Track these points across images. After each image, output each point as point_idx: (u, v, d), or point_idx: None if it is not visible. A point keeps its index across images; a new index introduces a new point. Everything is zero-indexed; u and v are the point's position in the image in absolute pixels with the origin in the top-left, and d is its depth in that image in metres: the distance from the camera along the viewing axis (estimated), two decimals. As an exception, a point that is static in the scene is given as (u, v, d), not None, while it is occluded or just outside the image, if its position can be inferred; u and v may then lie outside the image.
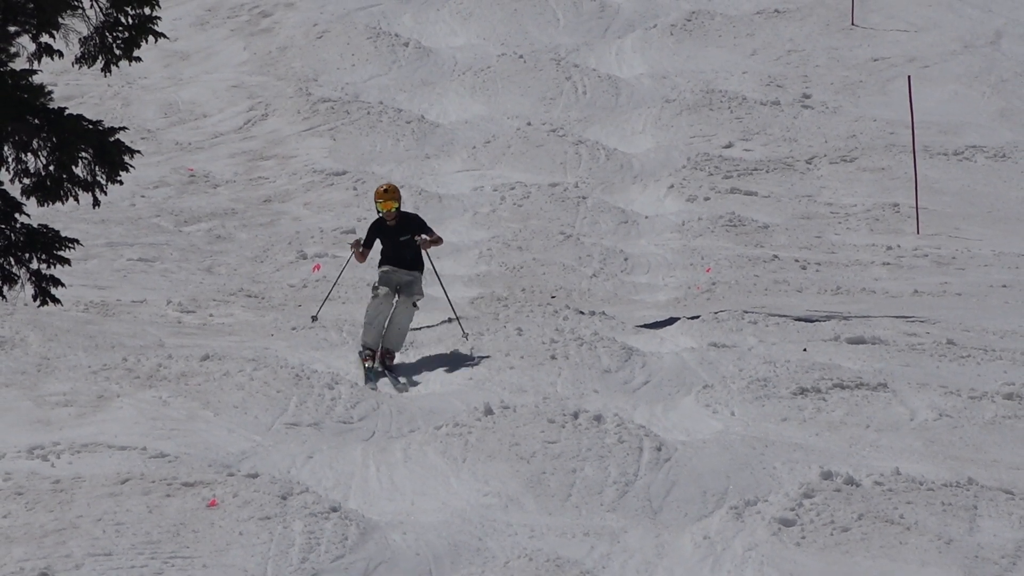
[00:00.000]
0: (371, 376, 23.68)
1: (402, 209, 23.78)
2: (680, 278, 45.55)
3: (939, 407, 30.03)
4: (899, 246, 48.83)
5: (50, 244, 41.50)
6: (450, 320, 37.81)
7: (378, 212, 22.90)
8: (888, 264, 46.78)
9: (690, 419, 30.08)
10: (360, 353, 22.97)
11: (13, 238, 41.47)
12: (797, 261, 47.00)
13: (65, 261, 41.83)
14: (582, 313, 37.88)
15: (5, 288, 41.32)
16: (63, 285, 41.46)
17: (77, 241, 42.83)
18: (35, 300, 40.85)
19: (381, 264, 23.46)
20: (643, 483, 26.51)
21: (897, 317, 38.79)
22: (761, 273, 45.64)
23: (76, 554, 23.27)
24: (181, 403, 29.30)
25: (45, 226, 41.85)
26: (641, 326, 37.85)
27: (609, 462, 26.88)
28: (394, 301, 23.61)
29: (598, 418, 28.05)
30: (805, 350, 34.50)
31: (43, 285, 41.08)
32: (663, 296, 43.44)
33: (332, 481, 26.53)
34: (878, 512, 24.69)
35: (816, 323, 37.74)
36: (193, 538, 23.82)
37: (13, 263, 41.36)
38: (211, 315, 39.94)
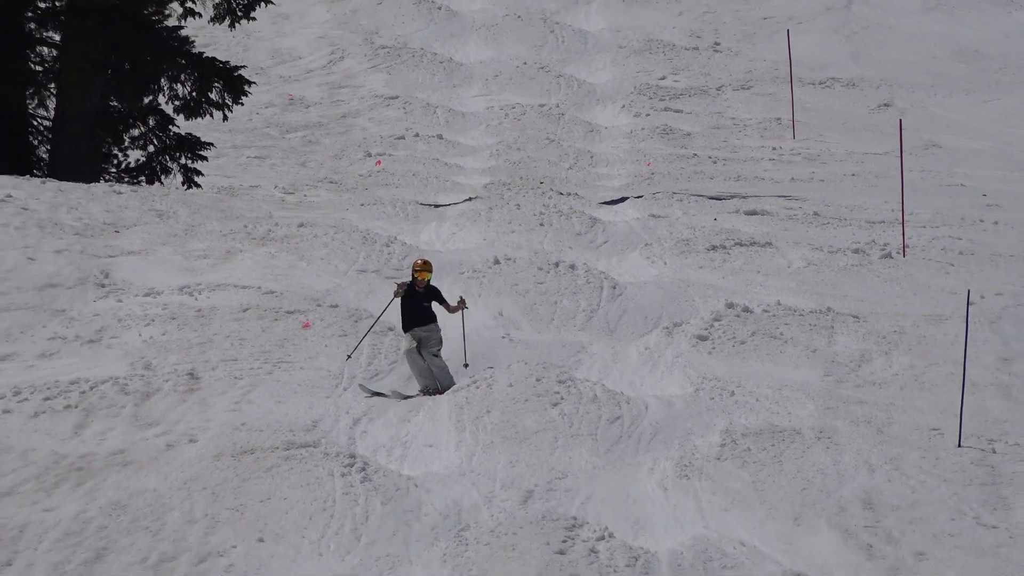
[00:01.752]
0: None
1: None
2: (629, 170, 45.44)
3: (808, 258, 29.98)
4: (781, 147, 48.66)
5: (194, 146, 41.47)
6: (471, 199, 37.69)
7: (413, 279, 19.49)
8: (773, 160, 46.62)
9: (636, 267, 30.05)
10: (421, 391, 20.80)
11: (168, 142, 41.43)
12: (710, 158, 46.86)
13: (204, 158, 41.83)
14: (561, 194, 37.79)
15: (163, 177, 41.28)
16: (202, 175, 41.47)
17: (212, 144, 42.88)
18: (183, 185, 40.91)
19: (405, 329, 20.11)
20: (603, 311, 26.49)
21: (779, 196, 38.68)
22: (685, 166, 45.50)
23: (213, 360, 23.28)
24: (284, 256, 29.22)
25: (190, 134, 41.78)
26: (602, 203, 37.77)
27: (580, 297, 26.85)
28: (422, 353, 20.40)
29: (572, 266, 28.00)
30: (715, 219, 34.42)
31: (189, 175, 41.08)
32: (617, 182, 43.33)
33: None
34: (765, 331, 24.67)
35: (723, 200, 37.64)
36: (293, 349, 23.82)
37: (168, 160, 41.36)
38: (305, 195, 39.87)
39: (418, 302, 19.64)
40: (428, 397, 19.89)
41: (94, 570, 17.25)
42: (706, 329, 24.73)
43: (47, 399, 21.56)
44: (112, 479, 19.41)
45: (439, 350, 19.71)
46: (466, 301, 20.51)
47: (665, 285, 28.05)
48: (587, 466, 20.10)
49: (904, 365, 23.63)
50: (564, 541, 17.38)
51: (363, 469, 19.55)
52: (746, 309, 25.44)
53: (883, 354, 24.09)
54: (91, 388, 21.93)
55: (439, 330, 19.61)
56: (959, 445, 20.33)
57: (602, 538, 17.58)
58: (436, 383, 19.65)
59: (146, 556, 17.56)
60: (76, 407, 21.42)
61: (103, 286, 26.95)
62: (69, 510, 18.57)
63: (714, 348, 24.20)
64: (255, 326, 24.65)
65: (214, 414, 21.33)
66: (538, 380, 22.10)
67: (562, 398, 21.69)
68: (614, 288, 27.29)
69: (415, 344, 19.54)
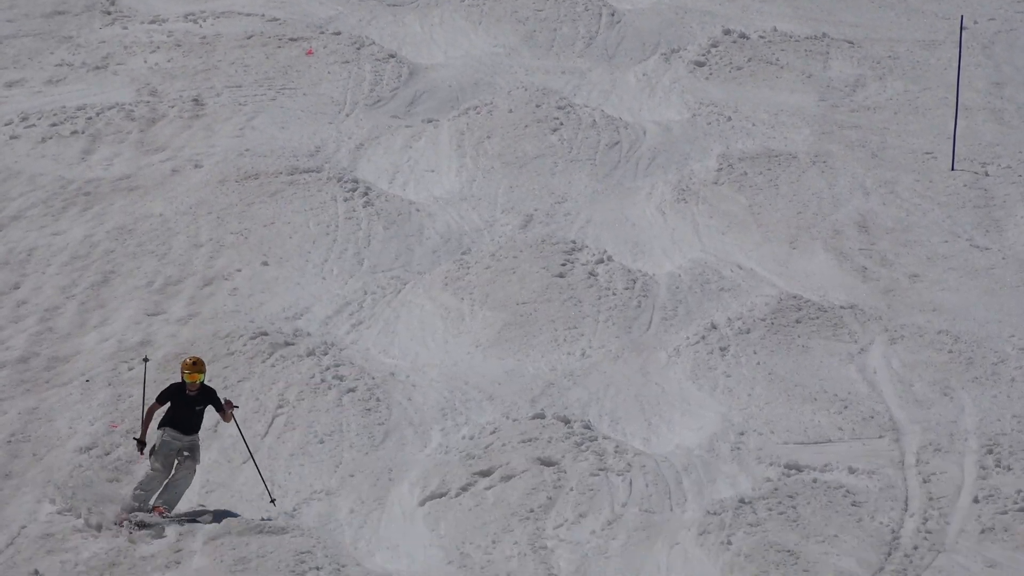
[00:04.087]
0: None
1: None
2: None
3: (803, -15, 28.96)
4: None
5: None
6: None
7: (183, 381, 12.98)
8: None
9: (634, -6, 29.02)
10: (122, 512, 12.88)
11: None
12: None
13: None
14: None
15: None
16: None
17: None
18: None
19: (163, 425, 13.10)
20: (602, 38, 25.49)
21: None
22: None
23: (217, 86, 22.42)
24: (288, -16, 28.15)
25: None
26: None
27: (579, 23, 25.83)
28: (167, 476, 12.97)
29: (571, -7, 26.99)
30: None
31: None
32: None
33: (391, 36, 25.48)
34: (762, 56, 23.74)
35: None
36: (297, 76, 22.93)
37: None
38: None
39: (190, 405, 12.94)
40: None
41: (101, 293, 16.65)
42: (703, 55, 23.77)
43: (54, 125, 20.76)
44: (118, 204, 18.72)
45: (197, 464, 12.98)
46: (233, 401, 13.60)
47: (663, 11, 26.96)
48: (586, 190, 19.38)
49: (898, 90, 22.76)
50: (563, 264, 16.75)
51: (365, 194, 18.83)
52: (743, 35, 24.45)
53: (877, 79, 23.20)
54: (97, 114, 21.09)
55: (199, 443, 12.99)
56: (952, 168, 19.63)
57: (601, 261, 16.94)
58: (157, 500, 12.88)
59: (152, 279, 16.95)
60: (83, 133, 20.64)
61: (109, 13, 25.88)
62: (76, 234, 17.93)
63: (711, 74, 23.27)
64: (259, 53, 23.70)
65: (219, 140, 20.54)
66: (537, 106, 21.27)
67: (561, 123, 20.89)
68: (612, 15, 26.22)
69: (166, 456, 12.83)
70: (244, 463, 13.84)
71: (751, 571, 11.86)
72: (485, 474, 13.31)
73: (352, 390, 14.69)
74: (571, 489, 13.10)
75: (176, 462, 12.85)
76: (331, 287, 16.87)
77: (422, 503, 13.19)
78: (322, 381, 14.76)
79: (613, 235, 18.22)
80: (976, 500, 12.77)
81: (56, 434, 14.09)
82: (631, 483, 13.18)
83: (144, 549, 12.53)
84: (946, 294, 16.55)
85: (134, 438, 12.81)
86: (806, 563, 11.91)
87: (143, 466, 13.62)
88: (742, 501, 12.64)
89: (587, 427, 13.91)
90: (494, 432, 13.83)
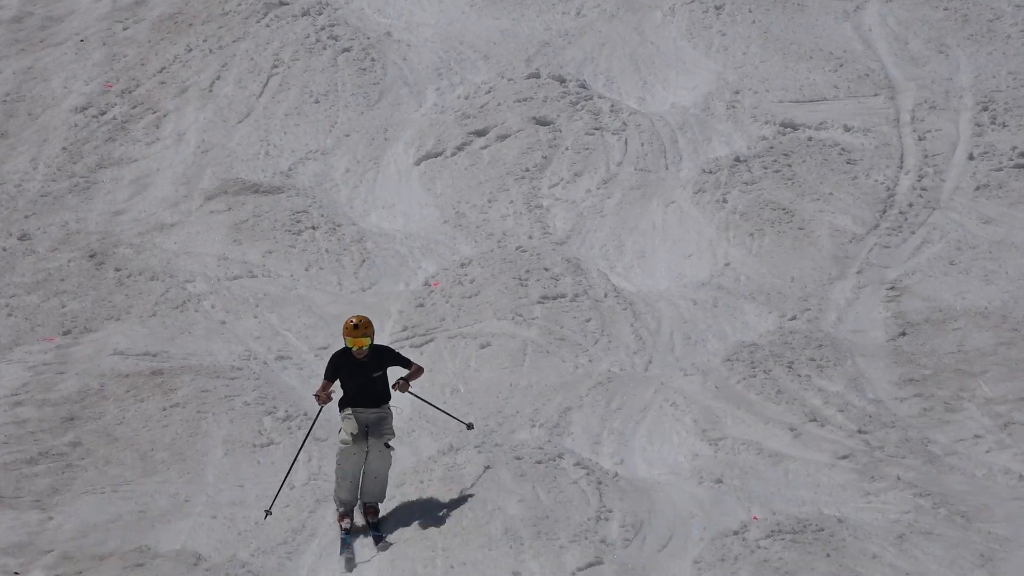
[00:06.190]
0: (347, 542, 10.73)
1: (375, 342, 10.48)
2: None
3: None
4: None
5: None
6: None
7: (347, 347, 10.38)
8: None
9: None
10: (337, 511, 10.84)
11: None
12: None
13: None
14: None
15: None
16: None
17: None
18: None
19: (343, 407, 10.60)
20: None
21: None
22: None
23: None
24: None
25: None
26: None
27: None
28: (365, 448, 10.69)
29: None
30: None
31: None
32: None
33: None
34: None
35: None
36: None
37: None
38: None
39: (364, 371, 10.45)
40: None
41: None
42: None
43: None
44: None
45: (390, 439, 10.70)
46: (410, 383, 10.58)
47: None
48: None
49: None
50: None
51: None
52: None
53: None
54: None
55: (392, 414, 10.67)
56: None
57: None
58: (359, 499, 10.79)
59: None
60: None
61: None
62: None
63: None
64: None
65: None
66: None
67: None
68: None
69: (354, 432, 10.49)
70: (239, 122, 13.16)
71: (746, 228, 11.31)
72: (480, 133, 12.68)
73: (347, 50, 13.91)
74: (566, 148, 12.47)
75: (366, 443, 10.44)
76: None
77: (417, 162, 12.60)
78: (317, 41, 13.96)
79: None
80: (971, 157, 12.14)
81: (51, 94, 13.36)
82: (626, 142, 12.55)
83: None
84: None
85: (317, 395, 10.28)
86: (801, 220, 11.34)
87: (142, 123, 13.01)
88: (737, 159, 12.01)
89: (582, 86, 13.20)
90: (489, 91, 13.11)
